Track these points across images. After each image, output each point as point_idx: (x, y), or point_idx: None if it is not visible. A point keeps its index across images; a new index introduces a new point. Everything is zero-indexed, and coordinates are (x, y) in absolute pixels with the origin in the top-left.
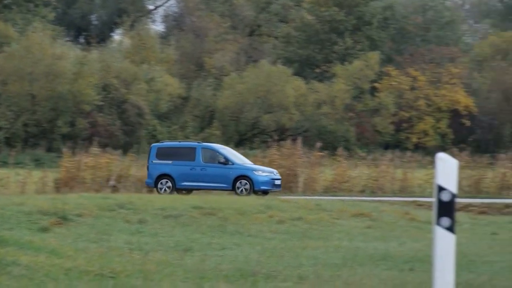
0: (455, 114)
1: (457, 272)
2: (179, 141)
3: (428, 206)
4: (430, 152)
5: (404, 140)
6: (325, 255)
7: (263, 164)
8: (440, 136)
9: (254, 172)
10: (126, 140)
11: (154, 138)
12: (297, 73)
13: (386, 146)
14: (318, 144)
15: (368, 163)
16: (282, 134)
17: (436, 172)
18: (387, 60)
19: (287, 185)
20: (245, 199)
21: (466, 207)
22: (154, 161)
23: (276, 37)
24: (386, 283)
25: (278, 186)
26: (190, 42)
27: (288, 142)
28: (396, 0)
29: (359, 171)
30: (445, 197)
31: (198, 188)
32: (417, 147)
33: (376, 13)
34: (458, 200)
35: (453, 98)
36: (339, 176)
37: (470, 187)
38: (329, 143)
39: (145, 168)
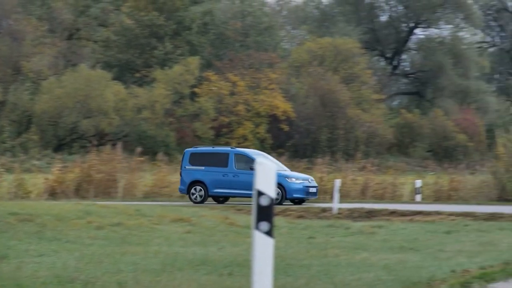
0: (273, 119)
1: (275, 275)
2: (213, 147)
3: (247, 210)
4: None
5: (224, 145)
6: (144, 261)
7: (81, 169)
8: (259, 141)
9: (286, 179)
10: None
11: None
12: (116, 78)
13: None
14: (138, 149)
15: None
16: (101, 139)
17: (255, 177)
18: (207, 65)
19: (106, 190)
20: (63, 205)
21: (284, 212)
22: (187, 167)
23: (95, 41)
24: None
25: (314, 194)
26: (6, 45)
27: (108, 147)
28: (216, 6)
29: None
30: (264, 201)
31: (231, 196)
32: None
33: (196, 18)
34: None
35: (271, 103)
36: (159, 181)
37: None
38: (149, 148)
39: None
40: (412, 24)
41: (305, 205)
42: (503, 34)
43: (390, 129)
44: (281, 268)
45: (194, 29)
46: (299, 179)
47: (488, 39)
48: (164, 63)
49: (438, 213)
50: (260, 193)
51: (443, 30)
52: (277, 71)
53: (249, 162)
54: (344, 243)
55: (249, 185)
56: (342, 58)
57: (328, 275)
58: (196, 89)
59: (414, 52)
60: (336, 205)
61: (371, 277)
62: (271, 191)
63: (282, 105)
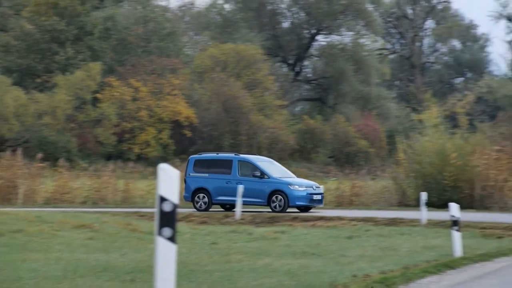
0: (176, 125)
1: (178, 281)
2: (217, 153)
3: (150, 216)
4: (152, 163)
5: (126, 151)
6: (45, 268)
7: None
8: (162, 146)
9: (289, 186)
10: None
11: None
12: (17, 83)
13: (109, 157)
14: (39, 155)
15: (90, 174)
16: (1, 145)
17: (158, 183)
18: (109, 70)
19: (6, 197)
20: None
21: (187, 217)
22: (191, 174)
23: None
24: None
25: (318, 201)
26: None
27: (8, 153)
28: (117, 11)
29: (81, 182)
30: (167, 207)
31: (234, 203)
32: (139, 158)
33: (98, 24)
34: (179, 210)
35: (174, 109)
36: (61, 188)
37: None
38: (50, 154)
39: None
40: (314, 31)
41: (208, 211)
42: (403, 41)
43: (292, 135)
44: (184, 274)
45: (95, 35)
46: (302, 186)
47: (389, 46)
48: (65, 69)
49: (340, 218)
50: (162, 199)
51: (344, 37)
52: (179, 77)
53: (253, 169)
54: (246, 248)
55: (252, 193)
56: (245, 64)
57: (231, 281)
58: (98, 95)
59: (316, 58)
60: (239, 210)
61: (273, 282)
62: (174, 197)
63: (185, 111)
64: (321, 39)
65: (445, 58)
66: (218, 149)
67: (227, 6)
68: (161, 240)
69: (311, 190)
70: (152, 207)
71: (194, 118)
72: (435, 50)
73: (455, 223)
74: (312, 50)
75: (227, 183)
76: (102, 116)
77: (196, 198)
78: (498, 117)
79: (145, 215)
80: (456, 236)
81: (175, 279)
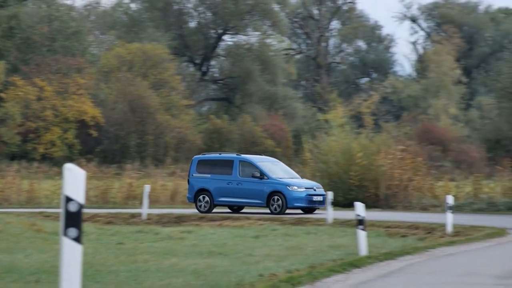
0: (82, 125)
1: (84, 282)
2: (219, 153)
3: (55, 217)
4: (57, 163)
5: (31, 151)
6: None
7: None
8: (68, 146)
9: (288, 187)
10: None
11: None
12: None
13: (13, 157)
14: None
15: None
16: None
17: (64, 183)
18: (13, 69)
19: None
20: None
21: (93, 217)
22: (194, 175)
23: None
24: None
25: (319, 202)
26: None
27: None
28: (22, 10)
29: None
30: (73, 207)
31: (235, 205)
32: (45, 158)
33: (1, 22)
34: (85, 210)
35: (80, 108)
36: None
37: (97, 198)
38: None
39: None
40: (220, 31)
41: (114, 211)
42: (309, 41)
43: (199, 135)
44: (90, 274)
45: None
46: (301, 187)
47: (295, 46)
48: None
49: (247, 218)
50: (68, 199)
51: (251, 37)
52: (85, 76)
53: (254, 169)
54: (153, 248)
55: (251, 194)
56: (151, 64)
57: (137, 281)
58: (1, 94)
59: (223, 58)
60: (145, 210)
61: (180, 282)
62: (80, 197)
63: (90, 111)
64: (228, 39)
65: (351, 58)
66: (125, 149)
67: (133, 6)
68: (66, 240)
69: (311, 191)
70: (58, 207)
71: (100, 117)
72: (341, 51)
73: (360, 222)
74: (219, 50)
75: (228, 184)
76: (6, 116)
77: (198, 200)
78: (403, 117)
79: (50, 216)
80: (362, 235)
81: (80, 279)
